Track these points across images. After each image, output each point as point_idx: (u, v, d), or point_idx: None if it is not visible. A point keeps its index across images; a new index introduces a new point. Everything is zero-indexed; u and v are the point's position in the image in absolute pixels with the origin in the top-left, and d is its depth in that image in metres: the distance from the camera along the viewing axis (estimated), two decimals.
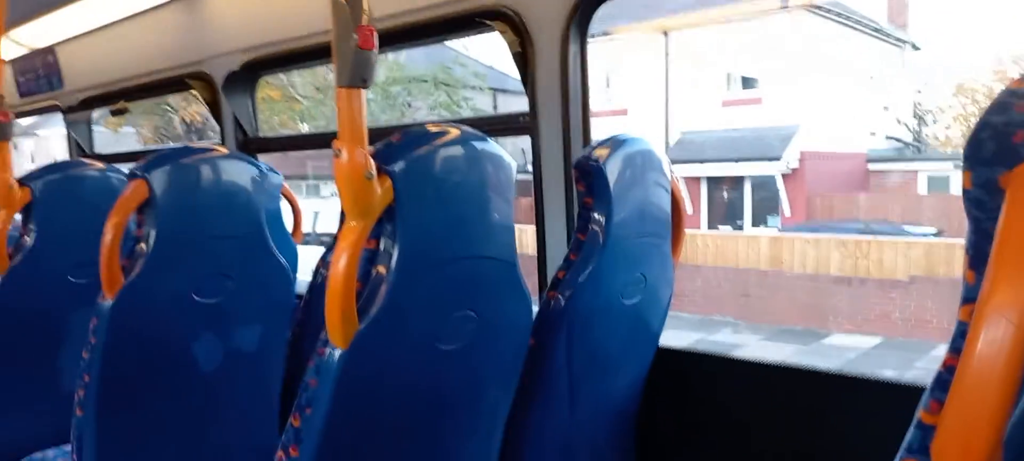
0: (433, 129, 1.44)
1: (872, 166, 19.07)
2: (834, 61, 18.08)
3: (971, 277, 0.74)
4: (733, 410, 2.10)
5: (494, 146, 1.52)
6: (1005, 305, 0.63)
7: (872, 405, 1.79)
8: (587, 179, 1.74)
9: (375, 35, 1.27)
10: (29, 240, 2.36)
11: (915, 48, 22.45)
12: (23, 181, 2.34)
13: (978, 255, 0.72)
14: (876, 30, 20.36)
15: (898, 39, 21.26)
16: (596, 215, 1.74)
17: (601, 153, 1.73)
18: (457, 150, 1.46)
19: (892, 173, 18.86)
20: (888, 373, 1.69)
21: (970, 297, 0.73)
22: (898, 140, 20.96)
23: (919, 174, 18.20)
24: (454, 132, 1.46)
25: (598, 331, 1.81)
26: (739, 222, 18.57)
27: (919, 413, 0.79)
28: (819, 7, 17.94)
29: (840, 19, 18.75)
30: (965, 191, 0.75)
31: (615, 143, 1.77)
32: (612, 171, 1.73)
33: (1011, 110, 0.71)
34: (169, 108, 20.63)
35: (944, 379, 0.77)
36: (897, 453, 0.81)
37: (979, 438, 0.63)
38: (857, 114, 19.17)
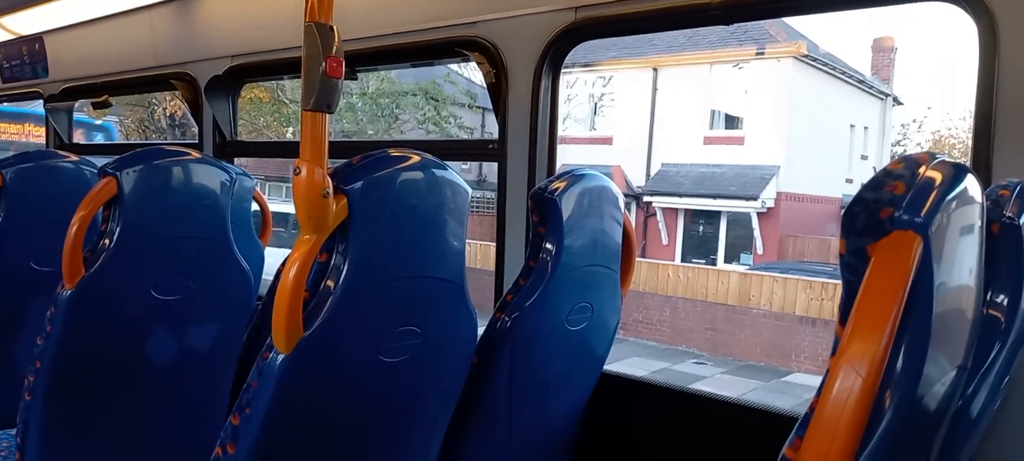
0: (394, 154, 1.52)
1: None
2: (817, 108, 18.40)
3: (840, 332, 0.82)
4: (671, 441, 2.17)
5: (452, 173, 1.59)
6: (856, 358, 0.72)
7: None
8: (542, 209, 1.82)
9: (342, 65, 1.35)
10: None
11: (897, 102, 22.88)
12: None
13: (846, 313, 0.80)
14: (860, 82, 20.77)
15: (881, 92, 21.67)
16: (548, 244, 1.83)
17: (557, 185, 1.82)
18: (416, 174, 1.53)
19: None
20: None
21: (836, 350, 0.81)
22: None
23: None
24: (414, 158, 1.54)
25: (540, 353, 1.88)
26: (713, 257, 18.77)
27: (784, 449, 0.87)
28: (806, 56, 18.29)
29: (826, 69, 19.12)
30: (841, 256, 0.83)
31: (573, 177, 1.86)
32: (567, 203, 1.82)
33: (882, 189, 0.80)
34: (153, 101, 20.44)
35: (807, 419, 0.85)
36: None
37: None
38: (836, 161, 19.47)
